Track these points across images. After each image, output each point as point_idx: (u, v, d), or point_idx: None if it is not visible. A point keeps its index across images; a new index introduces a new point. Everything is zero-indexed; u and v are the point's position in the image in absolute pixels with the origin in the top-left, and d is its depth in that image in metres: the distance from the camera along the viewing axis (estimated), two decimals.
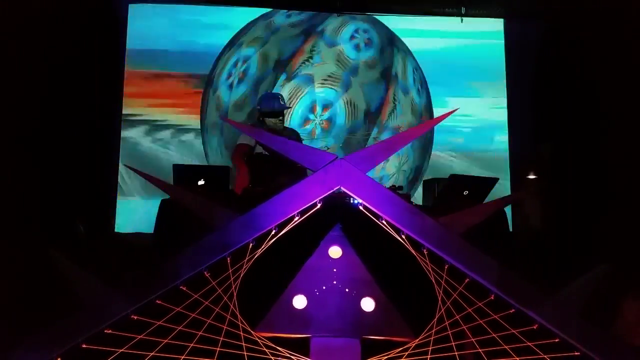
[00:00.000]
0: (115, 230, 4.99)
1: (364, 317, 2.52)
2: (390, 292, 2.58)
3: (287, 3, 5.46)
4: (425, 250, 2.50)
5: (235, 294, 2.44)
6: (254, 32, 5.46)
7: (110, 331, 2.39)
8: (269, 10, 5.49)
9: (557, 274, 3.01)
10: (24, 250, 2.97)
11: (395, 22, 5.56)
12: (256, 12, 5.47)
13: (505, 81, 5.50)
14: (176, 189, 2.91)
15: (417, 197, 4.64)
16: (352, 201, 2.61)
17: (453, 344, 2.44)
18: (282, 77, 5.38)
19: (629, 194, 3.83)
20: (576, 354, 2.43)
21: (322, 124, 5.30)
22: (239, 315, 2.43)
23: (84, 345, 2.37)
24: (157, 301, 2.43)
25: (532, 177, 5.17)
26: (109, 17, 4.97)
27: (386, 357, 2.44)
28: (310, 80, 5.38)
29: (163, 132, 5.30)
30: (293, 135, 3.76)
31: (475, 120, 5.49)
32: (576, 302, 2.51)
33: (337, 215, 2.64)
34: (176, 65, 5.37)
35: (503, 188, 5.20)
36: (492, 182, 3.54)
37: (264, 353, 2.42)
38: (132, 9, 5.35)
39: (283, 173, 3.10)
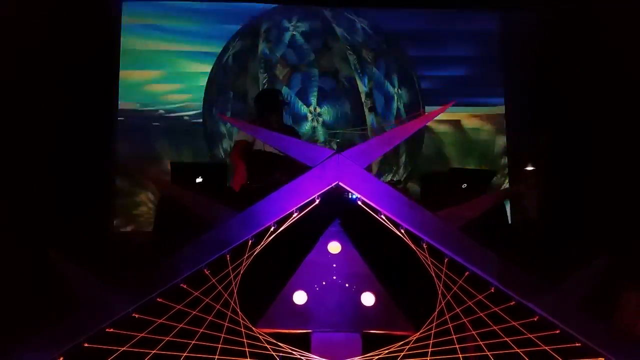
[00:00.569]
0: (114, 229, 4.99)
1: (364, 312, 2.53)
2: (390, 286, 2.58)
3: None
4: (424, 244, 2.50)
5: (235, 291, 2.45)
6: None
7: (111, 330, 2.39)
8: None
9: (557, 266, 3.01)
10: (23, 251, 2.96)
11: (393, 17, 5.55)
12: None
13: (502, 73, 5.50)
14: (174, 187, 2.90)
15: (416, 190, 4.64)
16: (350, 196, 2.61)
17: (454, 336, 2.44)
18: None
19: (629, 185, 3.84)
20: (577, 345, 2.43)
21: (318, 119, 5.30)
22: (239, 312, 2.44)
23: (85, 345, 2.37)
24: (158, 299, 2.43)
25: (530, 169, 5.17)
26: (102, 15, 4.94)
27: (387, 351, 2.45)
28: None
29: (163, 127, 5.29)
30: (290, 132, 3.76)
31: (472, 112, 5.49)
32: (576, 293, 2.51)
33: (336, 210, 2.64)
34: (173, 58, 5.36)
35: (501, 181, 5.21)
36: (490, 175, 3.55)
37: (266, 349, 2.42)
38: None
39: (281, 170, 3.10)
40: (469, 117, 5.53)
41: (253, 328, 2.45)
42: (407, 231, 2.51)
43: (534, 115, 5.18)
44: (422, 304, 2.55)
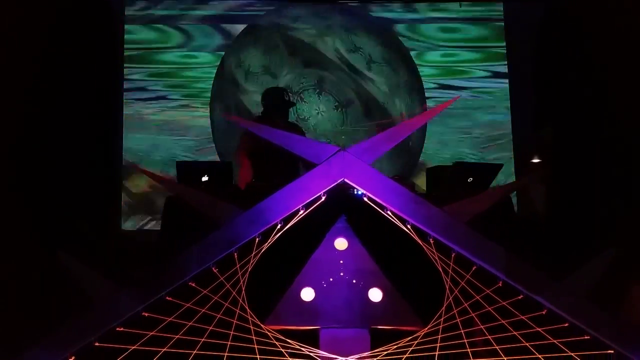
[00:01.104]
0: (122, 228, 5.02)
1: (372, 308, 2.54)
2: (398, 282, 2.59)
3: None
4: (431, 240, 2.50)
5: (243, 289, 2.46)
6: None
7: (121, 329, 2.41)
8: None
9: (565, 259, 3.01)
10: (33, 251, 2.99)
11: (393, 9, 5.53)
12: None
13: (506, 64, 5.47)
14: (180, 186, 2.92)
15: (421, 185, 4.64)
16: (356, 192, 2.61)
17: (462, 331, 2.45)
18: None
19: (636, 178, 3.81)
20: (586, 338, 2.43)
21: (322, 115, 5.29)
22: (248, 309, 2.45)
23: (96, 344, 2.39)
24: (167, 298, 2.45)
25: (536, 161, 5.15)
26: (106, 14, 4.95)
27: (395, 346, 2.45)
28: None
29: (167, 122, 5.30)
30: (296, 129, 3.76)
31: (476, 104, 5.47)
32: (584, 286, 2.51)
33: (342, 207, 2.65)
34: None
35: (508, 174, 5.19)
36: (496, 168, 3.54)
37: (274, 345, 2.44)
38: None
39: (285, 169, 3.11)
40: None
41: (261, 325, 2.46)
42: (413, 226, 2.51)
43: (540, 107, 5.15)
44: (429, 299, 2.55)
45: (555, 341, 2.42)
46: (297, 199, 2.52)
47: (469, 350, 2.42)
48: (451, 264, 2.48)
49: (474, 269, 2.49)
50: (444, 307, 2.47)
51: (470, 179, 3.28)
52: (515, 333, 2.43)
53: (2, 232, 3.01)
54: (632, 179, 3.82)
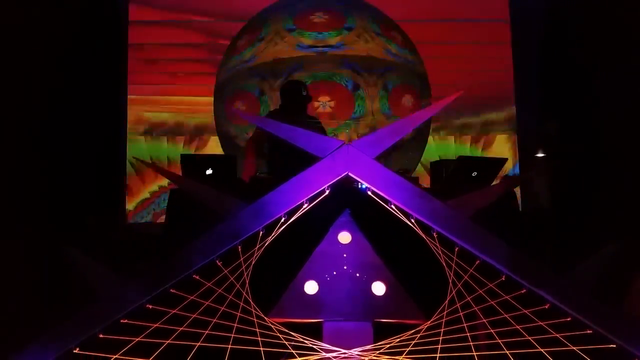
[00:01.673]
0: (127, 221, 5.04)
1: (375, 301, 2.54)
2: (401, 275, 2.59)
3: None
4: (434, 234, 2.50)
5: (247, 282, 2.47)
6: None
7: (126, 321, 2.43)
8: None
9: (569, 253, 3.00)
10: (38, 244, 3.01)
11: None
12: None
13: (511, 56, 5.44)
14: (184, 179, 2.93)
15: (425, 179, 4.63)
16: (360, 186, 2.61)
17: (465, 325, 2.45)
18: None
19: None
20: (588, 332, 2.43)
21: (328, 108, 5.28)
22: (251, 302, 2.46)
23: (101, 335, 2.41)
24: (171, 290, 2.46)
25: (540, 155, 5.13)
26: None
27: (398, 340, 2.46)
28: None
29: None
30: (314, 124, 3.70)
31: (481, 98, 5.45)
32: (588, 280, 2.51)
33: (346, 201, 2.65)
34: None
35: (512, 168, 5.18)
36: (500, 162, 3.53)
37: (278, 338, 2.45)
38: None
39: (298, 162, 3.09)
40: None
41: (265, 318, 2.48)
42: (417, 220, 2.52)
43: (545, 101, 5.13)
44: (432, 292, 2.56)
45: (557, 335, 2.42)
46: (301, 193, 2.52)
47: (471, 344, 2.43)
48: (454, 258, 2.48)
49: (477, 263, 2.49)
50: (446, 301, 2.47)
51: (474, 173, 3.27)
52: (518, 327, 2.44)
53: (8, 225, 3.03)
54: (638, 172, 3.80)
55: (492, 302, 2.46)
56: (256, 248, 2.48)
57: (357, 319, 2.53)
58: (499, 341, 2.44)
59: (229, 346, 2.42)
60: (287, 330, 2.47)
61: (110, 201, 4.72)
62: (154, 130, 5.25)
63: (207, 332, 2.43)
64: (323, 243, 2.60)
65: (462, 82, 5.29)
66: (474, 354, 2.43)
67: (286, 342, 2.45)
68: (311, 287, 2.56)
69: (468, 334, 2.44)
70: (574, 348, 2.41)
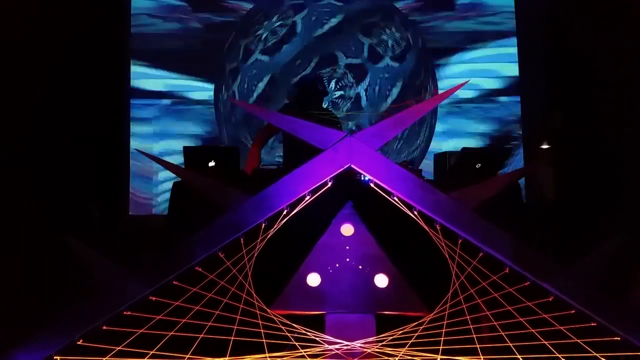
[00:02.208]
0: (130, 213, 5.05)
1: (377, 293, 2.54)
2: (404, 268, 2.58)
3: None
4: (437, 226, 2.49)
5: (249, 274, 2.47)
6: None
7: (129, 313, 2.43)
8: None
9: (573, 246, 2.99)
10: (39, 237, 3.02)
11: None
12: None
13: (516, 48, 5.39)
14: (187, 171, 2.92)
15: (429, 171, 4.62)
16: (363, 178, 2.60)
17: (468, 317, 2.45)
18: None
19: None
20: (592, 325, 2.42)
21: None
22: (254, 294, 2.46)
23: (104, 327, 2.42)
24: (174, 282, 2.47)
25: (545, 147, 5.10)
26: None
27: (401, 332, 2.46)
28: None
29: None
30: (330, 119, 3.65)
31: (485, 90, 5.42)
32: (592, 273, 2.50)
33: (348, 193, 2.64)
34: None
35: (516, 160, 5.15)
36: (504, 154, 3.52)
37: (280, 330, 2.45)
38: None
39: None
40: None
41: (268, 310, 2.48)
42: (420, 213, 2.50)
43: (550, 93, 5.09)
44: (435, 285, 2.55)
45: (561, 328, 2.41)
46: (304, 185, 2.51)
47: (474, 336, 2.42)
48: (457, 250, 2.47)
49: (480, 255, 2.48)
50: (449, 294, 2.47)
51: (478, 165, 3.25)
52: (521, 319, 2.43)
53: (11, 217, 3.04)
54: None
55: (496, 295, 2.45)
56: (259, 240, 2.48)
57: (359, 311, 2.53)
58: (502, 334, 2.43)
59: (232, 338, 2.42)
60: (289, 323, 2.47)
61: (112, 192, 4.73)
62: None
63: (209, 324, 2.43)
64: (325, 235, 2.59)
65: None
66: (477, 346, 2.42)
67: (289, 334, 2.45)
68: (314, 279, 2.56)
69: (471, 327, 2.43)
70: (578, 340, 2.40)
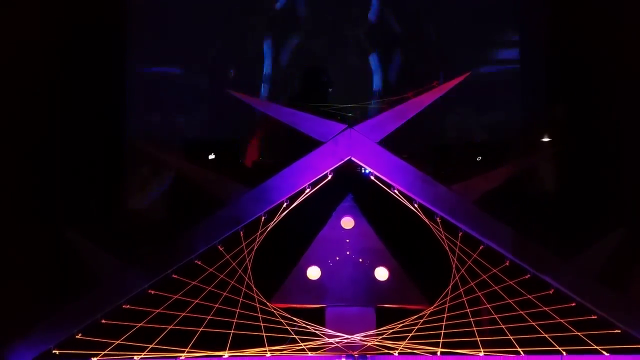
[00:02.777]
0: (129, 206, 5.03)
1: (378, 286, 2.53)
2: (404, 261, 2.58)
3: None
4: (438, 219, 2.48)
5: (249, 267, 2.46)
6: None
7: (128, 306, 2.42)
8: None
9: (574, 239, 2.98)
10: (39, 231, 3.00)
11: None
12: None
13: (518, 41, 5.36)
14: (187, 164, 2.91)
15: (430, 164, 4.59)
16: (363, 171, 2.59)
17: (468, 310, 2.44)
18: None
19: None
20: (593, 317, 2.42)
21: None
22: (254, 288, 2.46)
23: (103, 321, 2.41)
24: (173, 276, 2.46)
25: (546, 140, 5.08)
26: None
27: (401, 325, 2.46)
28: None
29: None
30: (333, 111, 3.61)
31: (486, 83, 5.39)
32: (593, 266, 2.49)
33: (349, 185, 2.63)
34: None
35: (517, 153, 5.13)
36: (505, 147, 3.50)
37: (280, 323, 2.45)
38: None
39: None
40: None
41: (267, 303, 2.47)
42: (420, 205, 2.49)
43: (551, 85, 5.06)
44: (436, 278, 2.54)
45: (562, 320, 2.41)
46: (303, 178, 2.50)
47: (474, 329, 2.42)
48: (458, 243, 2.46)
49: (481, 248, 2.47)
50: (450, 287, 2.46)
51: (479, 158, 3.24)
52: (521, 312, 2.43)
53: (10, 211, 3.02)
54: None
55: (496, 288, 2.45)
56: (258, 233, 2.47)
57: (360, 304, 2.52)
58: (503, 326, 2.43)
59: (232, 331, 2.42)
60: (289, 316, 2.46)
61: (113, 186, 4.71)
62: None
63: (209, 317, 2.43)
64: (326, 228, 2.58)
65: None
66: (478, 339, 2.42)
67: (289, 328, 2.44)
68: (314, 273, 2.55)
69: (471, 319, 2.43)
70: (579, 333, 2.40)
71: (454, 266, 2.47)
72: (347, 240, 2.57)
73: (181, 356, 2.41)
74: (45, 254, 2.94)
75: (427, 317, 2.45)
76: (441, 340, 2.42)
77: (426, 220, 2.49)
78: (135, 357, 2.40)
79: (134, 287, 2.44)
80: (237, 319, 2.43)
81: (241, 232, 2.49)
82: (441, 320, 2.44)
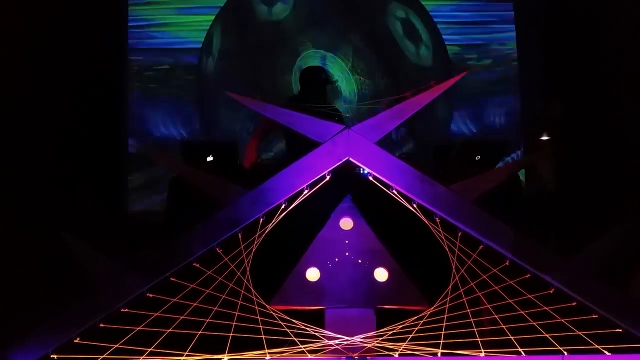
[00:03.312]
0: (127, 208, 5.02)
1: (377, 288, 2.52)
2: (404, 261, 2.56)
3: None
4: (437, 219, 2.47)
5: (248, 269, 2.45)
6: None
7: (126, 310, 2.41)
8: None
9: (573, 237, 2.97)
10: (37, 233, 2.99)
11: None
12: None
13: (515, 38, 5.35)
14: (185, 166, 2.90)
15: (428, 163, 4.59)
16: (361, 171, 2.57)
17: (468, 310, 2.43)
18: None
19: None
20: (594, 317, 2.41)
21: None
22: (252, 290, 2.44)
23: (101, 325, 2.40)
24: (172, 279, 2.45)
25: (545, 138, 5.07)
26: None
27: (401, 326, 2.44)
28: None
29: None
30: (331, 112, 3.60)
31: (484, 81, 5.38)
32: (593, 264, 2.48)
33: (347, 186, 2.62)
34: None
35: (516, 151, 5.12)
36: (504, 146, 3.49)
37: (280, 326, 2.43)
38: None
39: None
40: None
41: (267, 305, 2.46)
42: (419, 205, 2.48)
43: (550, 83, 5.05)
44: (435, 278, 2.53)
45: (563, 320, 2.40)
46: (302, 179, 2.49)
47: (475, 329, 2.40)
48: (457, 243, 2.45)
49: (480, 248, 2.46)
50: (449, 287, 2.45)
51: (477, 157, 3.23)
52: (522, 312, 2.42)
53: (6, 213, 3.01)
54: None
55: (496, 288, 2.44)
56: (257, 235, 2.46)
57: (359, 305, 2.51)
58: (503, 327, 2.42)
59: (231, 334, 2.41)
60: (288, 318, 2.45)
61: (110, 188, 4.70)
62: None
63: (208, 320, 2.41)
64: (324, 229, 2.57)
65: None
66: (478, 339, 2.41)
67: (288, 330, 2.43)
68: (313, 274, 2.54)
69: (472, 320, 2.42)
70: (580, 333, 2.38)
71: (453, 266, 2.46)
72: (346, 241, 2.56)
73: (180, 359, 2.40)
74: (42, 258, 2.93)
75: (427, 317, 2.44)
76: (441, 341, 2.40)
77: (425, 221, 2.47)
78: None
79: (132, 290, 2.42)
80: (236, 322, 2.42)
81: (239, 234, 2.47)
82: (441, 320, 2.42)
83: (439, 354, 2.41)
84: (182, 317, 2.41)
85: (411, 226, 2.53)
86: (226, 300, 2.43)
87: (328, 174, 2.50)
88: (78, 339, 2.38)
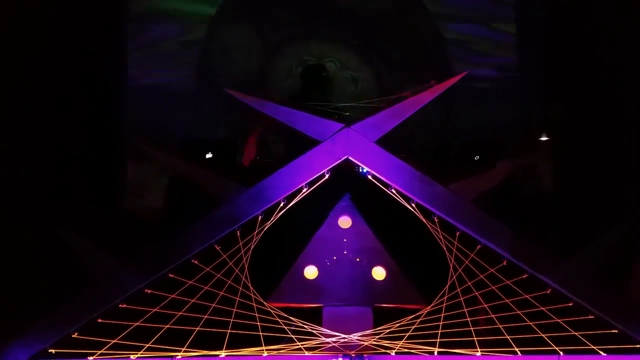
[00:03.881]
0: (126, 206, 5.02)
1: (375, 286, 2.53)
2: (401, 260, 2.57)
3: None
4: (435, 218, 2.48)
5: (246, 266, 2.46)
6: None
7: (124, 306, 2.42)
8: None
9: (571, 238, 2.98)
10: (35, 229, 3.00)
11: None
12: None
13: (515, 38, 5.34)
14: (184, 164, 2.90)
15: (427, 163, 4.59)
16: (360, 170, 2.58)
17: (465, 310, 2.44)
18: None
19: None
20: (590, 317, 2.42)
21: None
22: (250, 287, 2.45)
23: (99, 320, 2.40)
24: (170, 275, 2.45)
25: (543, 139, 5.08)
26: None
27: (398, 324, 2.45)
28: None
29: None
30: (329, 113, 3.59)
31: (483, 80, 5.38)
32: (590, 265, 2.49)
33: (346, 185, 2.62)
34: None
35: (514, 152, 5.12)
36: (503, 146, 3.50)
37: (277, 323, 2.44)
38: None
39: None
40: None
41: (264, 303, 2.47)
42: (418, 205, 2.49)
43: (549, 84, 5.05)
44: (433, 277, 2.54)
45: (559, 320, 2.41)
46: (300, 177, 2.50)
47: (472, 329, 2.41)
48: (455, 242, 2.46)
49: (478, 247, 2.47)
50: (447, 286, 2.46)
51: (476, 157, 3.24)
52: (519, 312, 2.43)
53: (4, 210, 3.01)
54: None
55: (493, 287, 2.45)
56: (255, 233, 2.47)
57: (357, 303, 2.52)
58: (500, 326, 2.43)
59: (228, 331, 2.41)
60: (286, 315, 2.46)
61: (108, 185, 4.69)
62: None
63: (206, 316, 2.42)
64: (323, 228, 2.58)
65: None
66: (475, 339, 2.42)
67: (286, 327, 2.44)
68: (311, 272, 2.54)
69: (469, 319, 2.43)
70: (576, 333, 2.40)
71: (451, 266, 2.46)
72: (345, 240, 2.56)
73: (178, 355, 2.41)
74: (41, 253, 2.93)
75: (425, 316, 2.45)
76: (438, 340, 2.42)
77: (424, 220, 2.48)
78: (131, 357, 2.40)
79: (130, 286, 2.43)
80: (233, 319, 2.43)
81: (238, 232, 2.48)
82: (438, 320, 2.43)
83: (436, 353, 2.42)
84: (180, 314, 2.42)
85: (409, 225, 2.54)
86: (224, 297, 2.44)
87: (327, 173, 2.50)
88: (76, 334, 2.38)
